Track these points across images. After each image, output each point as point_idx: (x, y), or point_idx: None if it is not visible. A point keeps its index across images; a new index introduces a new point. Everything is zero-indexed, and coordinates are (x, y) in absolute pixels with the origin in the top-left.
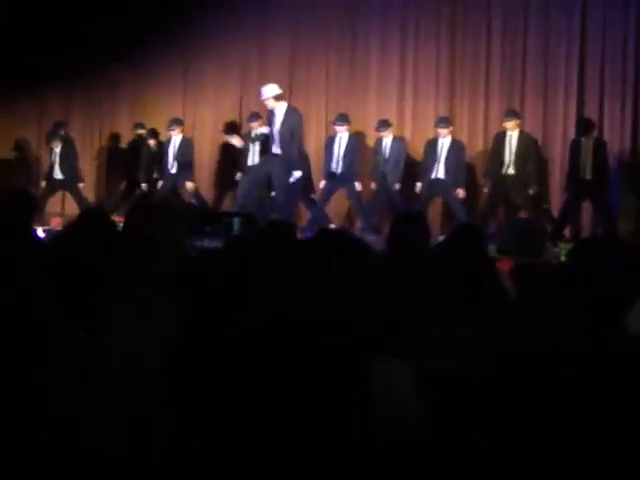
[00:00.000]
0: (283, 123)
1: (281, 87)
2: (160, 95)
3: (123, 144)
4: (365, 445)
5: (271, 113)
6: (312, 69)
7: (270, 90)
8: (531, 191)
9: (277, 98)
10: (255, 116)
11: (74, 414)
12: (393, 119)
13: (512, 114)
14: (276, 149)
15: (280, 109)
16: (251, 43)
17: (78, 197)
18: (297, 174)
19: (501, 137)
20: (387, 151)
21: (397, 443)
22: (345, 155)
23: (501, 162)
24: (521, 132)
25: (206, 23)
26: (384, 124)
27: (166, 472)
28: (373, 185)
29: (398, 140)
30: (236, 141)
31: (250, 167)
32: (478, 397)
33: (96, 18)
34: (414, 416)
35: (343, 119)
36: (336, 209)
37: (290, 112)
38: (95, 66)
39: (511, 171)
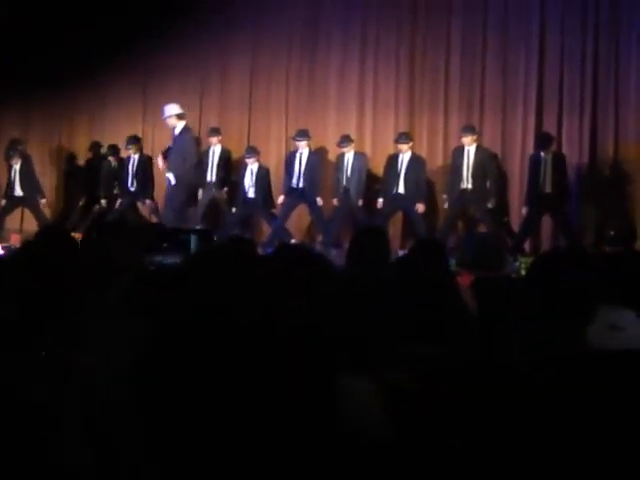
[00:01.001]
0: (177, 141)
1: (241, 104)
2: (119, 114)
3: (82, 162)
4: (330, 458)
5: (173, 131)
6: (272, 86)
7: (171, 109)
8: (490, 205)
9: (179, 117)
10: (215, 131)
11: (40, 431)
12: (353, 135)
13: (469, 130)
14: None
15: (179, 128)
16: (211, 61)
17: (38, 214)
18: (170, 176)
19: (459, 152)
20: (349, 166)
21: (362, 455)
22: (306, 171)
23: (459, 177)
24: (478, 147)
25: (166, 42)
26: (346, 139)
27: None
28: (335, 201)
29: (360, 155)
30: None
31: (209, 183)
32: (442, 409)
33: (55, 36)
34: (379, 429)
35: (303, 134)
36: (297, 224)
37: (183, 131)
38: (54, 84)
39: (469, 185)
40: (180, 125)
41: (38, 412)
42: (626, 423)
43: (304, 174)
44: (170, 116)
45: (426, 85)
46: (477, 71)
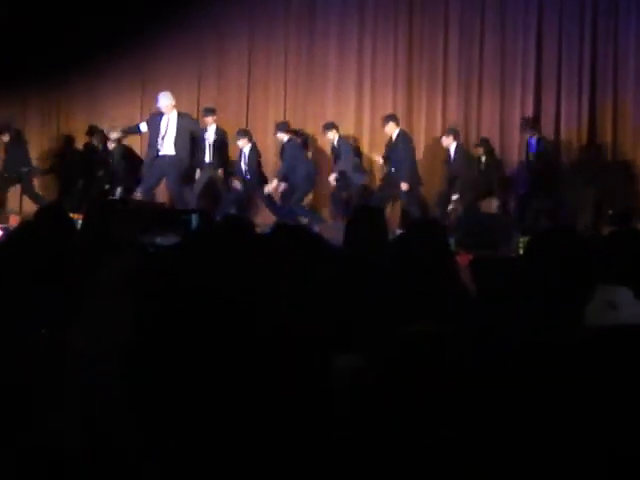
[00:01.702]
0: (180, 127)
1: (240, 87)
2: (118, 97)
3: (80, 145)
4: (324, 441)
5: (160, 117)
6: (270, 68)
7: (168, 98)
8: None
9: (174, 106)
10: (210, 111)
11: (30, 412)
12: (351, 115)
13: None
14: (165, 150)
15: (174, 114)
16: (208, 43)
17: (31, 193)
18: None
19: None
20: (337, 151)
21: (357, 440)
22: (284, 159)
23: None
24: (458, 146)
25: (163, 24)
26: (326, 126)
27: (130, 469)
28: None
29: (343, 139)
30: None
31: (207, 164)
32: (439, 392)
33: (52, 21)
34: (370, 412)
35: (279, 127)
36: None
37: (184, 117)
38: (51, 69)
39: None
40: (174, 113)
41: (31, 393)
42: (623, 403)
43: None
44: (166, 106)
45: (424, 64)
46: (475, 51)
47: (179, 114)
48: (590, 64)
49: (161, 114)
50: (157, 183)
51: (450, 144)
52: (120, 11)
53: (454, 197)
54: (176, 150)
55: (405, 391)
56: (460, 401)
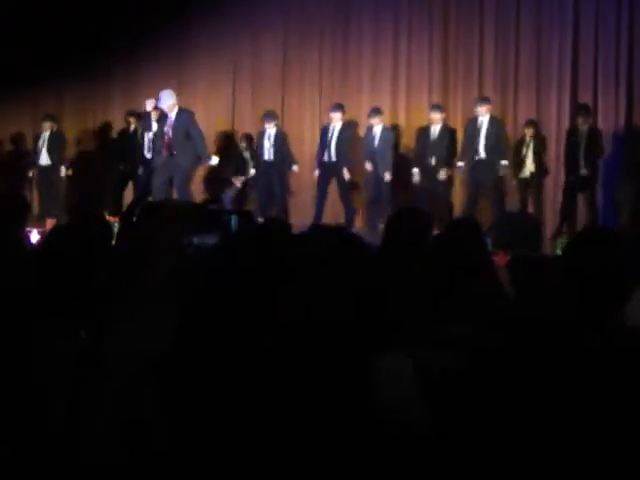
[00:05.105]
0: (176, 124)
1: (274, 83)
2: (154, 93)
3: (116, 135)
4: (368, 442)
5: (165, 117)
6: (306, 64)
7: (170, 97)
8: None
9: (174, 104)
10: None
11: (72, 417)
12: (386, 111)
13: (484, 100)
14: (170, 151)
15: (175, 112)
16: (243, 39)
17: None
18: (214, 160)
19: (473, 122)
20: (376, 140)
21: (400, 440)
22: (338, 144)
23: (474, 148)
24: (492, 117)
25: (198, 20)
26: (374, 112)
27: (165, 476)
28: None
29: (387, 129)
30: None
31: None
32: (480, 391)
33: (89, 14)
34: (417, 412)
35: (337, 107)
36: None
37: (186, 113)
38: (88, 62)
39: (482, 156)
40: (176, 109)
41: (70, 397)
42: None
43: (336, 147)
44: (169, 105)
45: (460, 66)
46: (511, 51)
47: (179, 110)
48: (627, 62)
49: (167, 114)
50: (164, 182)
51: None
52: (157, 7)
53: None
54: (177, 151)
55: (451, 388)
56: (499, 402)
